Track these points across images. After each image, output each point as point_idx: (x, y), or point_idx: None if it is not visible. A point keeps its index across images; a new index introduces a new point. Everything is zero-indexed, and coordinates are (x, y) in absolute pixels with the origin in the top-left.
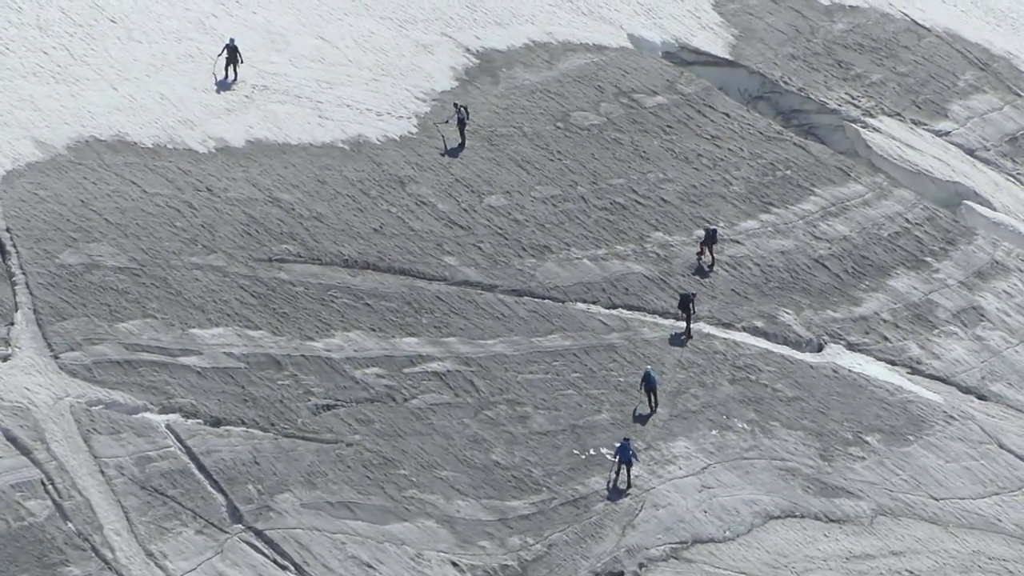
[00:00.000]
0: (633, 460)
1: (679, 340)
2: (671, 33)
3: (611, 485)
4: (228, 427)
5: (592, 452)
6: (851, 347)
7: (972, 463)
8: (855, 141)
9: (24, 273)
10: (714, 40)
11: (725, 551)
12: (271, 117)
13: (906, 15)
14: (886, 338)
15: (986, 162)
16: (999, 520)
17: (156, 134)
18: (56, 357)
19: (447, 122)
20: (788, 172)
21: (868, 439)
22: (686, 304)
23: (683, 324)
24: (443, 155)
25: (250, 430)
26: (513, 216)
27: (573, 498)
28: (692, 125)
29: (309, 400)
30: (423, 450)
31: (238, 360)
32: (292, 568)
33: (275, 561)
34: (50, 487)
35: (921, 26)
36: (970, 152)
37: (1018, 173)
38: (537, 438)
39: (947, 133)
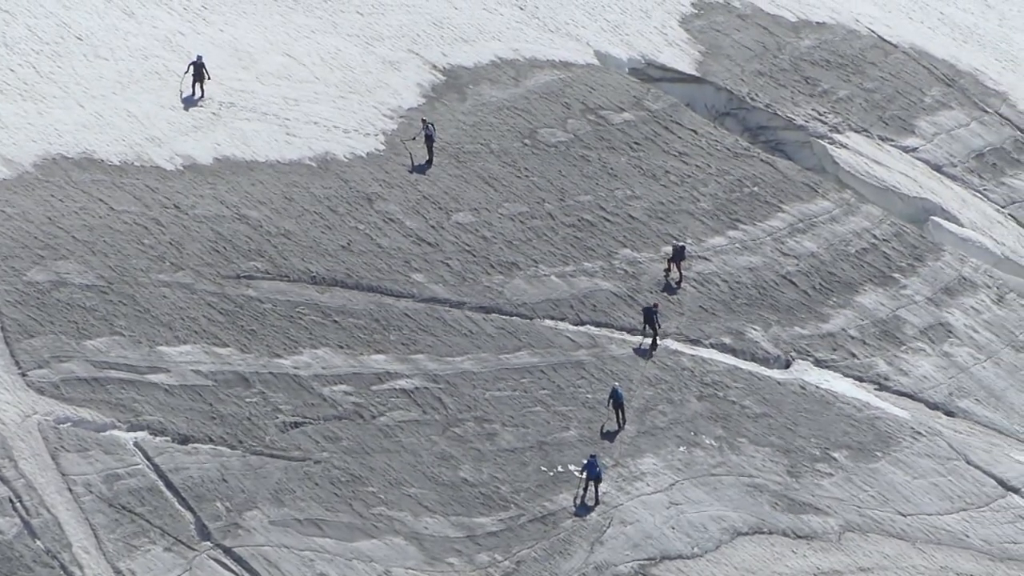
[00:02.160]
0: (601, 476)
1: (644, 353)
2: (638, 50)
3: (579, 502)
4: (196, 444)
5: (560, 469)
6: (819, 363)
7: (940, 479)
8: (822, 157)
9: None
10: (681, 56)
11: (693, 567)
12: (238, 134)
13: (873, 31)
14: (854, 354)
15: (953, 178)
16: (967, 536)
17: (123, 151)
18: (24, 374)
19: (414, 139)
20: (755, 188)
21: (836, 455)
22: (651, 316)
23: (648, 338)
24: (411, 172)
25: (218, 447)
26: (481, 233)
27: (541, 515)
28: (659, 142)
29: (277, 417)
30: (391, 467)
31: (206, 377)
32: None
33: None
34: (18, 504)
35: (888, 42)
36: (937, 168)
37: (985, 189)
38: (505, 455)
39: (914, 149)
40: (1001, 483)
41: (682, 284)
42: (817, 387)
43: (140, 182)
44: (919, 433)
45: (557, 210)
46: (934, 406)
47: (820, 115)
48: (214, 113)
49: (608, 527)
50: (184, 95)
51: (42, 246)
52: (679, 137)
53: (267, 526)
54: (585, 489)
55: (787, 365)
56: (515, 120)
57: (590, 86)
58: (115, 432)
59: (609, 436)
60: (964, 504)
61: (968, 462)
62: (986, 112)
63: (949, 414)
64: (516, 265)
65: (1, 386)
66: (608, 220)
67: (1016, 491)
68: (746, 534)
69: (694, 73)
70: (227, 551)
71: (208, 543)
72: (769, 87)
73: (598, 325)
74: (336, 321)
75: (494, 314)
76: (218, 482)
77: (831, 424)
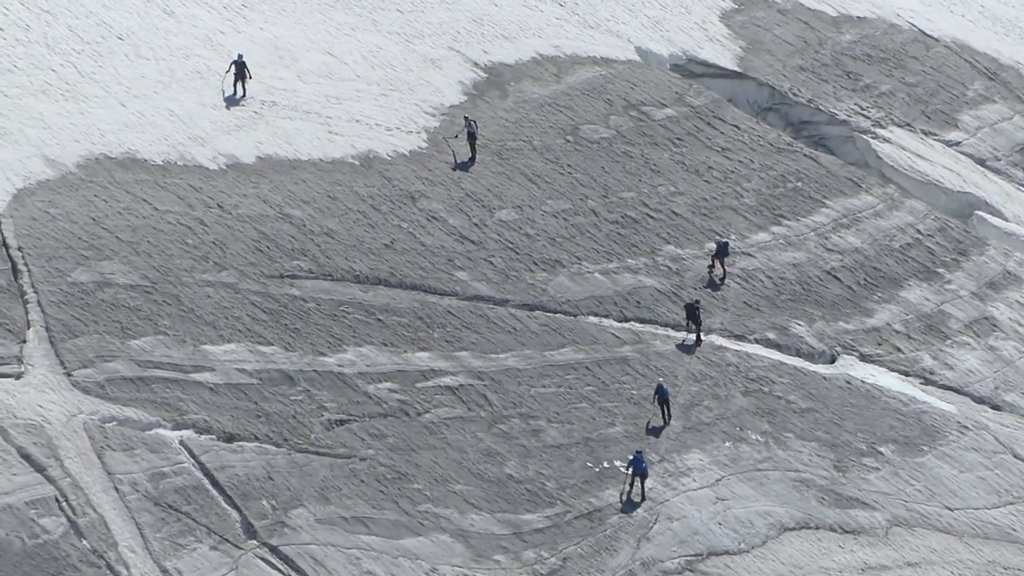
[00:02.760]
0: (647, 472)
1: (689, 349)
2: (678, 45)
3: (625, 498)
4: (241, 443)
5: (606, 465)
6: (864, 358)
7: (986, 473)
8: (866, 152)
9: (36, 291)
10: (722, 52)
11: (740, 563)
12: (281, 133)
13: (914, 25)
14: (899, 349)
15: (997, 172)
16: (1014, 530)
17: (166, 151)
18: (69, 374)
19: (457, 136)
20: (799, 184)
21: (882, 450)
22: (693, 312)
23: (691, 334)
24: (453, 169)
25: (263, 445)
26: (524, 230)
27: (587, 511)
28: (702, 137)
29: (322, 415)
30: (437, 464)
31: (251, 376)
32: None
33: None
34: (64, 504)
35: (929, 36)
36: (981, 162)
37: None
38: (551, 451)
39: (957, 143)
40: None
41: (726, 280)
42: (863, 382)
43: (183, 182)
44: (965, 427)
45: (600, 207)
46: (980, 400)
47: (863, 110)
48: (256, 112)
49: (654, 523)
50: (226, 94)
51: (86, 247)
52: (722, 133)
53: (313, 524)
54: (631, 485)
55: (832, 360)
56: (557, 117)
57: (632, 82)
58: (160, 431)
59: (655, 432)
60: (1011, 498)
61: (1015, 455)
62: None
63: (995, 408)
64: (560, 262)
65: (46, 386)
66: (651, 216)
67: None
68: (793, 529)
69: (736, 69)
70: (273, 549)
71: (254, 541)
72: (811, 82)
73: (642, 321)
74: (380, 319)
75: (538, 311)
76: (264, 480)
77: (877, 419)
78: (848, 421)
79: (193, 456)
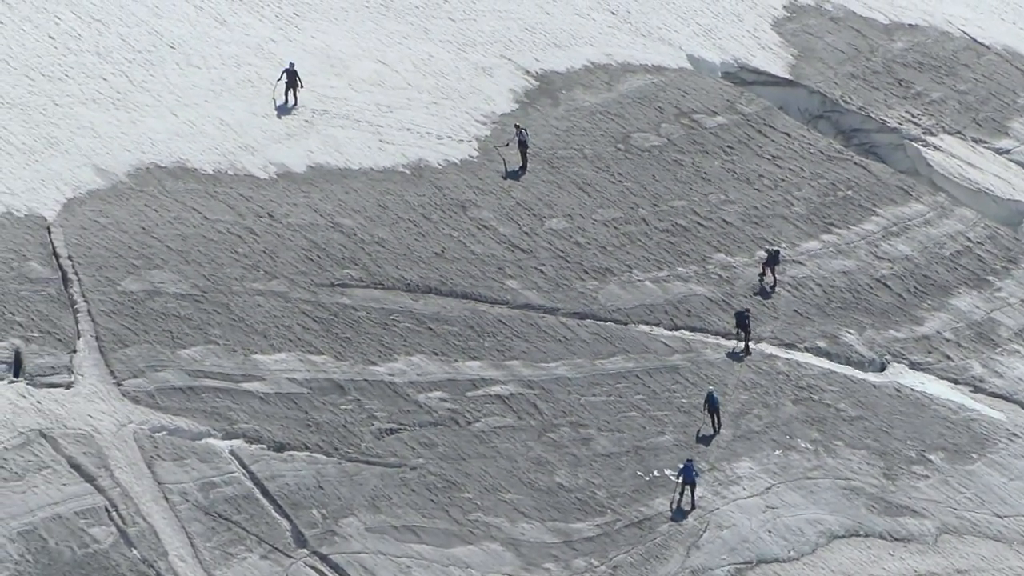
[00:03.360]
0: (696, 481)
1: (738, 357)
2: (730, 53)
3: (675, 506)
4: (292, 452)
5: (656, 473)
6: (914, 366)
7: None
8: (916, 160)
9: (86, 300)
10: (773, 60)
11: (790, 571)
12: (331, 142)
13: (965, 33)
14: (948, 357)
15: None
16: None
17: (216, 160)
18: (119, 384)
19: (508, 145)
20: (849, 192)
21: (932, 457)
22: (743, 321)
23: (740, 342)
24: (504, 178)
25: (314, 455)
26: (574, 239)
27: (637, 519)
28: (753, 145)
29: (372, 424)
30: (487, 473)
31: (301, 385)
32: None
33: None
34: (114, 514)
35: (980, 44)
36: None
37: None
38: (601, 460)
39: (1008, 151)
40: None
41: (776, 288)
42: (912, 390)
43: (234, 191)
44: (1015, 435)
45: (651, 215)
46: None
47: (913, 117)
48: (307, 121)
49: (704, 531)
50: (277, 103)
51: (136, 256)
52: (772, 140)
53: (363, 533)
54: (681, 494)
55: (882, 368)
56: (608, 125)
57: (683, 90)
58: (211, 440)
59: (705, 440)
60: None
61: None
62: None
63: None
64: (610, 271)
65: (96, 396)
66: (702, 225)
67: None
68: (842, 537)
69: (787, 76)
70: (323, 558)
71: (304, 550)
72: (862, 90)
73: (692, 330)
74: (431, 328)
75: (588, 320)
76: (314, 489)
77: (927, 426)
78: (897, 429)
79: (243, 465)
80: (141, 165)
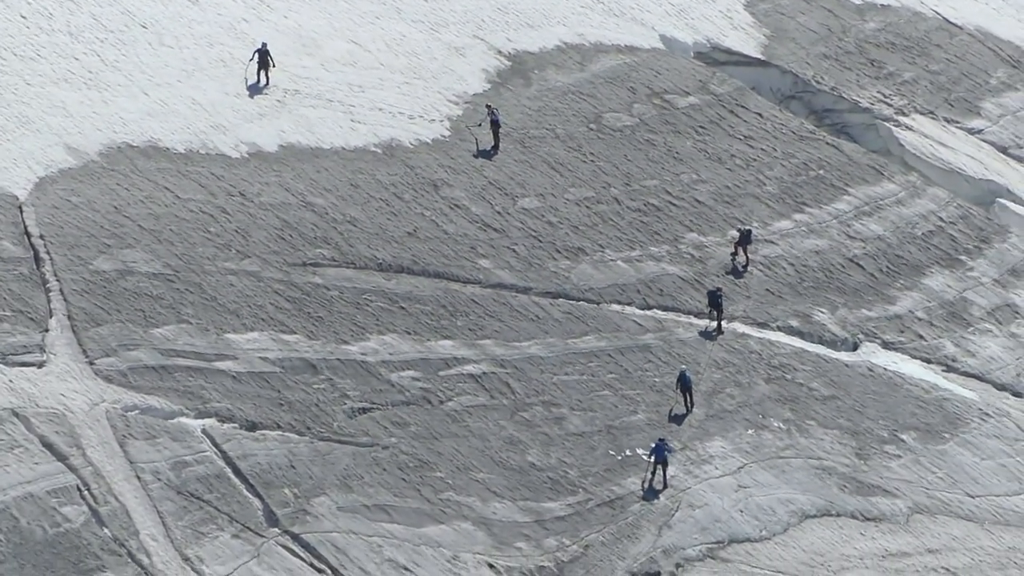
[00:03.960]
0: (668, 460)
1: (711, 336)
2: (703, 33)
3: (647, 485)
4: (264, 431)
5: (628, 453)
6: (886, 345)
7: (1008, 460)
8: (888, 140)
9: (58, 280)
10: (746, 40)
11: (761, 550)
12: (303, 121)
13: (938, 13)
14: (921, 336)
15: (1019, 159)
16: None
17: (188, 139)
18: (91, 363)
19: (480, 125)
20: (821, 172)
21: (904, 437)
22: (715, 300)
23: (713, 322)
24: (476, 158)
25: (286, 434)
26: (547, 218)
27: (609, 499)
28: (725, 125)
29: (345, 403)
30: (459, 452)
31: (273, 364)
32: (329, 571)
33: (312, 565)
34: (86, 493)
35: (953, 24)
36: (1003, 150)
37: None
38: (573, 439)
39: (980, 131)
40: None
41: (749, 268)
42: (885, 369)
43: (205, 170)
44: (987, 414)
45: (623, 195)
46: (1002, 387)
47: (885, 97)
48: (279, 100)
49: (676, 511)
50: (249, 82)
51: (108, 235)
52: (744, 121)
53: (335, 512)
54: (653, 473)
55: (855, 347)
56: (580, 105)
57: (655, 70)
58: (183, 419)
59: (677, 419)
60: None
61: None
62: None
63: (1017, 395)
64: (582, 250)
65: (69, 375)
66: (674, 204)
67: None
68: (814, 517)
69: (759, 56)
70: (295, 537)
71: (276, 529)
72: (834, 70)
73: (665, 309)
74: (403, 307)
75: (561, 299)
76: (286, 468)
77: (899, 406)
78: (870, 408)
79: (215, 445)
80: (113, 144)
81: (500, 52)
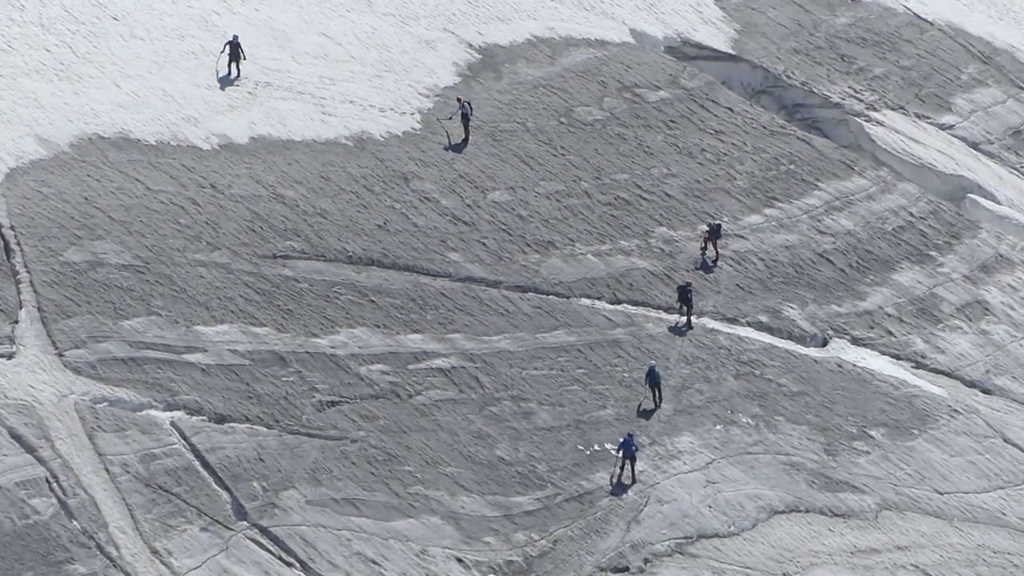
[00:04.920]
0: (637, 455)
1: (680, 331)
2: (673, 28)
3: (615, 480)
4: (232, 424)
5: (596, 448)
6: (856, 341)
7: (977, 457)
8: (859, 135)
9: (28, 271)
10: (716, 35)
11: (730, 546)
12: (274, 114)
13: (908, 9)
14: (891, 332)
15: (990, 155)
16: (1004, 514)
17: (159, 131)
18: (60, 355)
19: (451, 118)
20: (792, 166)
21: (872, 433)
22: (685, 295)
23: (683, 316)
24: (447, 151)
25: (255, 427)
26: (517, 212)
27: (578, 494)
28: (695, 120)
29: (314, 397)
30: (428, 446)
31: (242, 357)
32: (297, 565)
33: (280, 558)
34: (55, 485)
35: (924, 20)
36: (974, 145)
37: (1022, 166)
38: (541, 434)
39: (951, 127)
40: None
41: (718, 262)
42: (854, 365)
43: (176, 162)
44: (956, 411)
45: (593, 188)
46: (971, 384)
47: (856, 93)
48: (250, 92)
49: (645, 506)
50: (220, 75)
51: (79, 226)
52: (715, 115)
53: (304, 506)
54: (622, 468)
55: (824, 343)
56: (551, 99)
57: (626, 64)
58: (152, 412)
59: (646, 415)
60: (1001, 482)
61: (1005, 440)
62: (1022, 89)
63: (986, 392)
64: (552, 244)
65: (38, 366)
66: (644, 198)
67: None
68: (783, 512)
69: (730, 51)
70: (263, 531)
71: (245, 523)
72: (805, 65)
73: (634, 304)
74: (373, 301)
75: (530, 293)
76: (255, 461)
77: (868, 402)
78: (839, 404)
79: (184, 437)
80: (84, 136)
81: (471, 45)
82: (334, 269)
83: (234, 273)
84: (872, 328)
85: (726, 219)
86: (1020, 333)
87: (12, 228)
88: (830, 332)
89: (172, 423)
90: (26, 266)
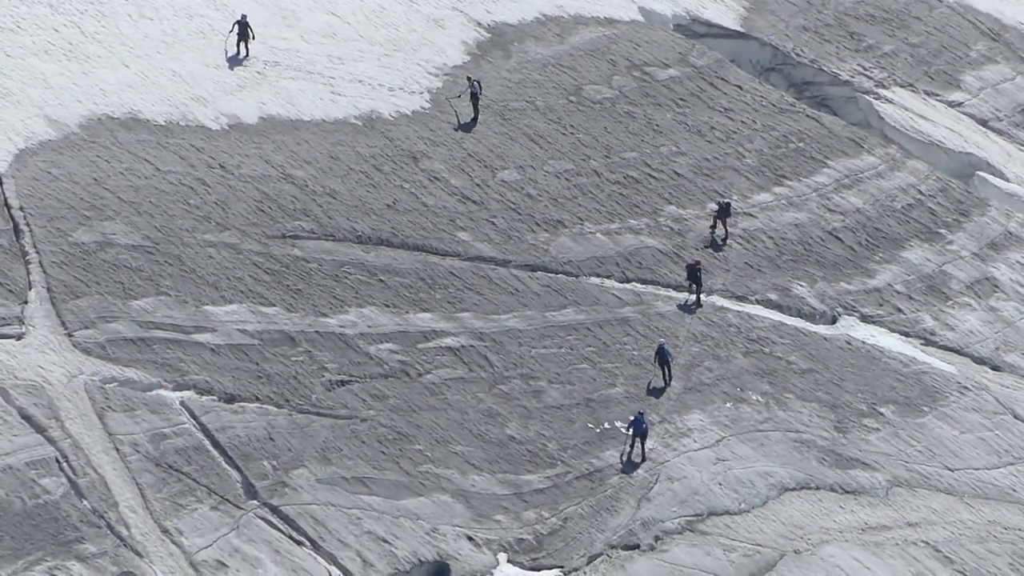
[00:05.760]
0: (647, 433)
1: (689, 309)
2: (682, 6)
3: (625, 458)
4: (242, 403)
5: (607, 426)
6: (865, 319)
7: (987, 433)
8: (868, 112)
9: (38, 252)
10: (725, 12)
11: (740, 523)
12: (283, 93)
13: None
14: (900, 310)
15: (999, 132)
16: (1014, 490)
17: (168, 111)
18: (70, 335)
19: (460, 97)
20: (801, 144)
21: (882, 410)
22: (694, 273)
23: (692, 295)
24: (456, 130)
25: (264, 406)
26: (526, 191)
27: (588, 472)
28: (705, 98)
29: (323, 376)
30: (438, 425)
31: (252, 337)
32: (308, 543)
33: (291, 537)
34: (65, 465)
35: None
36: (983, 123)
37: None
38: (551, 412)
39: (960, 104)
40: None
41: (728, 241)
42: (863, 342)
43: (185, 142)
44: (966, 388)
45: (602, 167)
46: (981, 360)
47: (865, 70)
48: (259, 72)
49: (655, 483)
50: (229, 54)
51: (88, 207)
52: (724, 93)
53: (314, 484)
54: (632, 446)
55: (833, 321)
56: (560, 77)
57: (635, 42)
58: (161, 392)
59: (655, 392)
60: (1011, 458)
61: (1015, 416)
62: None
63: (996, 368)
64: (562, 223)
65: (47, 347)
66: (653, 177)
67: None
68: (793, 490)
69: (739, 29)
70: (274, 510)
71: (255, 502)
72: (814, 42)
73: (644, 282)
74: (382, 280)
75: (540, 272)
76: (265, 441)
77: (878, 379)
78: (849, 382)
79: (194, 417)
80: (93, 116)
81: (480, 24)
82: (343, 249)
83: (243, 253)
84: (881, 305)
85: (735, 197)
86: None
87: (21, 209)
88: (839, 310)
89: (182, 403)
90: (35, 247)
